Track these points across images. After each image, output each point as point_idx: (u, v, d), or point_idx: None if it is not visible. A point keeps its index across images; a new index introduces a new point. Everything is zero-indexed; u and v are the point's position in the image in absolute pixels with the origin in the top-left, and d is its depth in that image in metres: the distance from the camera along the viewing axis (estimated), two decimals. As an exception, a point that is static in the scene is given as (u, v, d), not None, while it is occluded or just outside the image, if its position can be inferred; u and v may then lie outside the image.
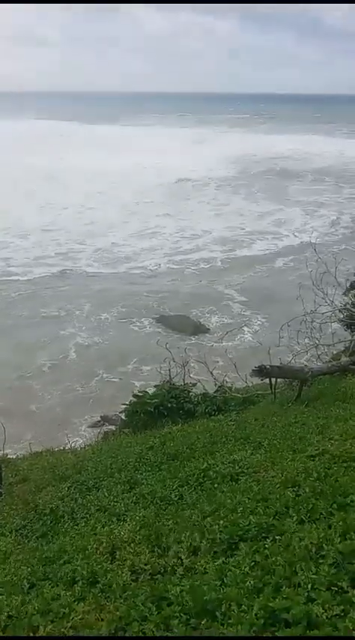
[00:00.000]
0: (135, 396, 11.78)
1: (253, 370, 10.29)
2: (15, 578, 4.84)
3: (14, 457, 10.39)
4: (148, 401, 11.18)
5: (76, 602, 4.25)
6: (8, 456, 10.31)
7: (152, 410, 10.96)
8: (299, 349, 11.77)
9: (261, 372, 10.23)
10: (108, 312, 27.32)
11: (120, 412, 13.07)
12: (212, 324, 25.56)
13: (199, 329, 24.69)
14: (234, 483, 5.95)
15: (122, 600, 4.15)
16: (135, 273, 33.74)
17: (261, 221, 45.07)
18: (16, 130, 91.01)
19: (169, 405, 11.10)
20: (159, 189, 55.10)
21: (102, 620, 3.97)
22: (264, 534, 4.53)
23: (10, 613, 4.25)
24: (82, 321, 26.27)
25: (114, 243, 38.50)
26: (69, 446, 11.36)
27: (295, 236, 39.97)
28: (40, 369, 22.12)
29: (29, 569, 4.98)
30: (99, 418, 18.40)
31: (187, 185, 56.87)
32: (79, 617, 4.03)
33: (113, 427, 13.93)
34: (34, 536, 5.95)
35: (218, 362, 16.13)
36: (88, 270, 34.13)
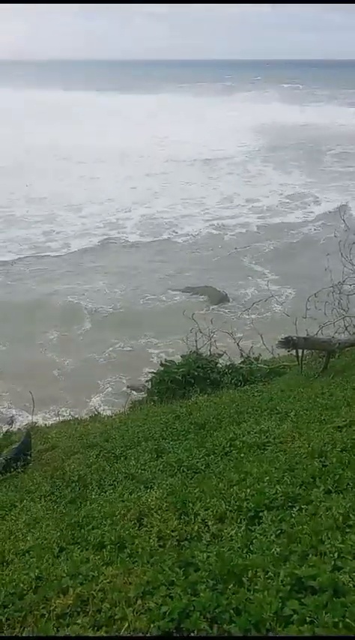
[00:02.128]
0: (162, 364, 11.87)
1: (280, 341, 10.26)
2: (45, 542, 4.95)
3: (43, 425, 10.57)
4: (175, 370, 11.25)
5: (104, 566, 4.34)
6: (37, 424, 10.50)
7: (179, 379, 11.02)
8: (326, 321, 11.64)
9: (287, 343, 10.19)
10: (136, 283, 27.31)
11: (146, 381, 13.17)
12: (239, 294, 25.41)
13: (226, 299, 24.59)
14: (260, 453, 5.98)
15: (149, 565, 4.23)
16: (173, 242, 33.64)
17: (295, 190, 44.33)
18: (46, 103, 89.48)
19: (196, 374, 11.15)
20: (192, 161, 54.34)
21: (130, 583, 4.05)
22: (290, 503, 4.56)
23: (40, 575, 4.36)
24: (104, 294, 26.31)
25: (148, 215, 38.28)
26: (94, 408, 11.49)
27: (328, 205, 39.26)
28: (57, 339, 22.18)
29: (58, 533, 5.09)
30: (126, 387, 18.57)
31: (219, 156, 55.95)
32: (108, 580, 4.12)
33: (140, 395, 14.04)
34: (62, 502, 6.06)
35: (244, 333, 16.10)
36: (130, 239, 34.15)
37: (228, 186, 44.97)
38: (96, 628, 3.67)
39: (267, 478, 5.01)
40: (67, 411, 16.49)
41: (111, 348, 21.39)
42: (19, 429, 11.49)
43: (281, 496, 4.64)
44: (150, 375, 12.24)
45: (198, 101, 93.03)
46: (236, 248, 31.67)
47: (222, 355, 12.62)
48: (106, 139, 59.37)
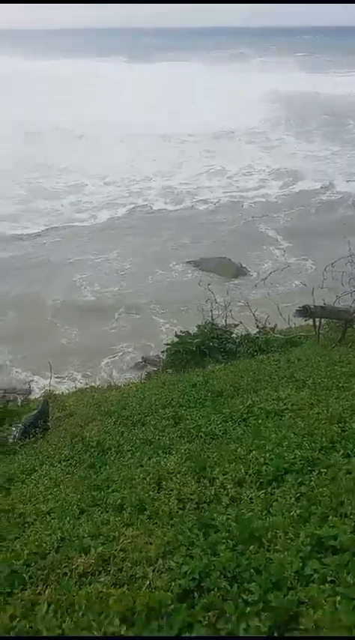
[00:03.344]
0: (177, 335, 11.87)
1: (297, 310, 10.20)
2: (65, 504, 5.02)
3: (60, 393, 10.66)
4: (190, 341, 11.24)
5: (124, 527, 4.40)
6: (54, 392, 10.58)
7: (194, 349, 11.01)
8: (343, 291, 11.54)
9: (304, 312, 10.13)
10: (153, 253, 27.16)
11: (161, 352, 13.21)
12: (255, 265, 25.20)
13: (241, 272, 24.40)
14: (278, 419, 5.99)
15: (169, 526, 4.28)
16: (194, 210, 33.43)
17: (317, 159, 43.60)
18: (82, 73, 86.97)
19: (211, 345, 11.14)
20: (211, 132, 53.39)
21: (150, 544, 4.11)
22: (309, 467, 4.57)
23: (62, 535, 4.43)
24: (118, 265, 26.26)
25: (169, 185, 37.95)
26: (108, 376, 11.53)
27: (351, 174, 38.67)
28: (64, 308, 22.20)
29: (78, 496, 5.16)
30: (140, 359, 18.64)
31: (238, 126, 54.91)
32: (128, 540, 4.18)
33: (155, 368, 14.09)
34: (82, 467, 6.12)
35: (260, 304, 16.02)
36: (155, 207, 34.01)
37: (248, 156, 44.31)
38: (117, 586, 3.73)
39: (286, 443, 5.02)
40: (79, 376, 16.71)
41: (122, 318, 21.41)
42: (36, 397, 11.63)
43: (300, 460, 4.66)
44: (164, 347, 12.25)
45: (211, 70, 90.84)
46: (253, 216, 31.41)
47: (237, 325, 12.58)
48: (121, 112, 58.32)
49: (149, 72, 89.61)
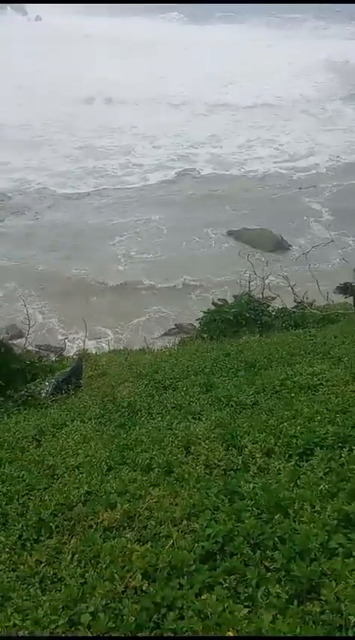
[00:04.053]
0: (214, 304, 11.81)
1: (337, 287, 10.06)
2: (94, 460, 5.09)
3: (93, 352, 10.77)
4: (227, 310, 11.17)
5: (151, 487, 4.45)
6: (88, 350, 10.70)
7: (230, 318, 10.95)
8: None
9: (345, 289, 9.99)
10: (193, 220, 26.92)
11: (196, 319, 13.17)
12: (296, 237, 24.77)
13: (281, 245, 24.03)
14: (312, 394, 5.93)
15: (195, 490, 4.31)
16: (243, 178, 32.99)
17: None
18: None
19: (247, 316, 11.05)
20: (261, 103, 52.08)
21: (176, 505, 4.15)
22: (340, 444, 4.53)
23: (89, 489, 4.51)
24: (159, 229, 26.16)
25: (221, 153, 37.43)
26: (143, 337, 11.55)
27: None
28: (99, 272, 22.33)
29: (107, 453, 5.22)
30: (173, 325, 18.68)
31: (292, 96, 53.36)
32: (154, 500, 4.23)
33: (188, 335, 14.08)
34: (112, 425, 6.19)
35: (299, 279, 15.79)
36: (203, 173, 33.68)
37: (302, 127, 43.07)
38: (141, 542, 3.79)
39: (318, 418, 4.98)
40: (111, 334, 16.88)
41: (154, 286, 21.44)
42: (70, 355, 11.78)
43: (331, 436, 4.62)
44: (196, 315, 12.20)
45: (255, 36, 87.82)
46: (300, 188, 30.78)
47: (274, 299, 12.44)
48: (176, 79, 57.18)
49: (208, 35, 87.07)
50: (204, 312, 11.77)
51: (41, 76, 52.13)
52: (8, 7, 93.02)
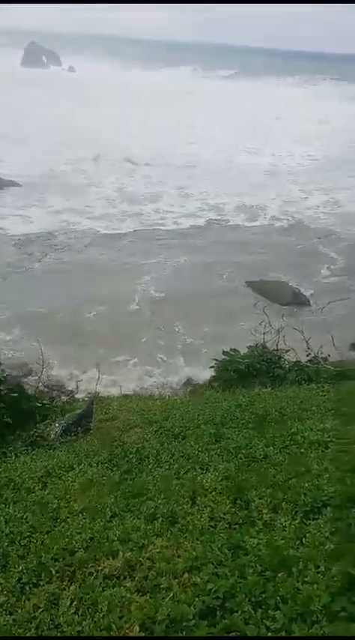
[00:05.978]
0: (225, 353, 11.79)
1: (352, 344, 10.02)
2: (98, 506, 5.05)
3: (105, 396, 10.76)
4: (240, 360, 11.16)
5: (154, 537, 4.40)
6: (99, 394, 10.69)
7: (243, 369, 10.93)
8: None
9: (359, 346, 9.94)
10: (213, 268, 27.07)
11: (209, 367, 13.13)
12: (313, 288, 24.77)
13: (298, 298, 24.04)
14: (322, 451, 5.86)
15: (199, 542, 4.25)
16: (269, 227, 33.34)
17: None
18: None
19: (259, 367, 11.02)
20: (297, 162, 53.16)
21: (178, 556, 4.10)
22: (349, 504, 4.46)
23: (92, 535, 4.47)
24: (179, 273, 26.32)
25: (248, 203, 37.95)
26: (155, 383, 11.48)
27: None
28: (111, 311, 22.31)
29: (112, 499, 5.19)
30: (186, 379, 18.59)
31: (318, 156, 54.44)
32: (157, 550, 4.18)
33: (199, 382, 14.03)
34: (118, 471, 6.15)
35: (314, 333, 15.74)
36: (231, 222, 34.06)
37: (330, 183, 43.63)
38: (141, 593, 3.73)
39: (327, 476, 4.93)
40: (120, 378, 16.77)
41: (171, 330, 21.34)
42: (81, 397, 11.76)
43: (340, 495, 4.55)
44: (209, 363, 12.16)
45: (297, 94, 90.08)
46: (319, 237, 30.95)
47: (288, 351, 12.41)
48: (214, 134, 58.61)
49: (240, 90, 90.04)
50: (216, 361, 11.76)
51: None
52: (44, 57, 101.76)
